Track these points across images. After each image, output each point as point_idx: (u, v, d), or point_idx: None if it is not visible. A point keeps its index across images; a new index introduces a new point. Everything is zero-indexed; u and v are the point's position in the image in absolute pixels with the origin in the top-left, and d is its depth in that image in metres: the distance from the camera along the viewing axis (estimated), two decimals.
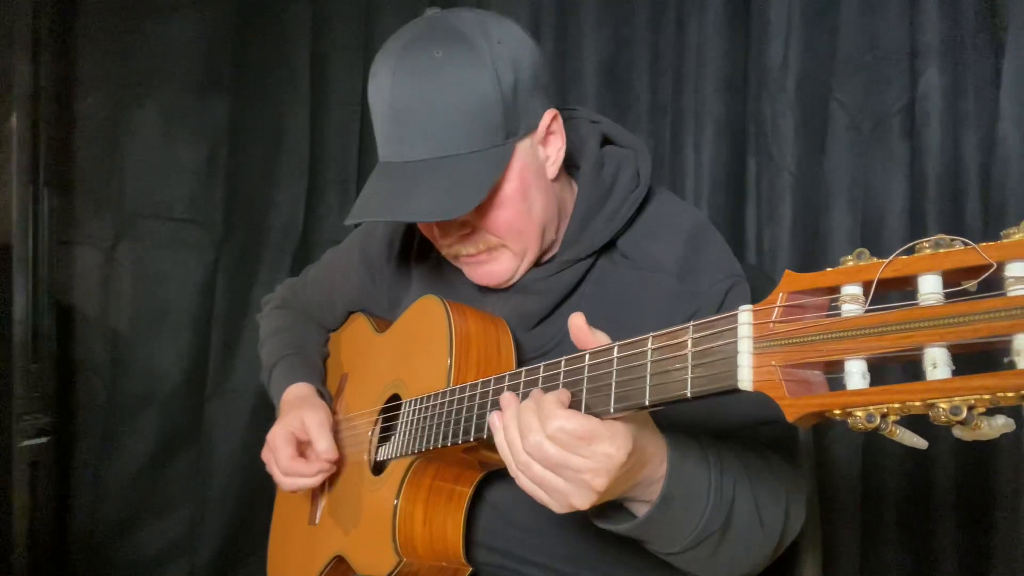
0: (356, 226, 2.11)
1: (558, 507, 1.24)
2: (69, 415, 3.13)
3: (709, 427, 1.50)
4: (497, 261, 1.62)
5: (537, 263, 1.69)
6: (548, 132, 1.60)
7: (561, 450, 1.18)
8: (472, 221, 1.56)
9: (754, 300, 1.69)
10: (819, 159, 2.78)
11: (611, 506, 1.36)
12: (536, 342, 1.70)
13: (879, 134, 2.69)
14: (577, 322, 1.27)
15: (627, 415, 1.19)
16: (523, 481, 1.26)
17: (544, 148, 1.61)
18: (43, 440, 2.96)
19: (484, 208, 1.53)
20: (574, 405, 1.22)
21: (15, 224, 2.85)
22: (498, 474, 1.65)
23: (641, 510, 1.33)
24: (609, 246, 1.68)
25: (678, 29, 3.04)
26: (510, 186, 1.54)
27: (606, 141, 1.77)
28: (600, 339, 1.25)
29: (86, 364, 3.17)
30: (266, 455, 1.91)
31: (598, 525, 1.39)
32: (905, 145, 2.65)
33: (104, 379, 3.18)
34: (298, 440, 1.88)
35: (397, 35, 1.54)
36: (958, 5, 2.54)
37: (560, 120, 1.62)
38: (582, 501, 1.21)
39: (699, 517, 1.33)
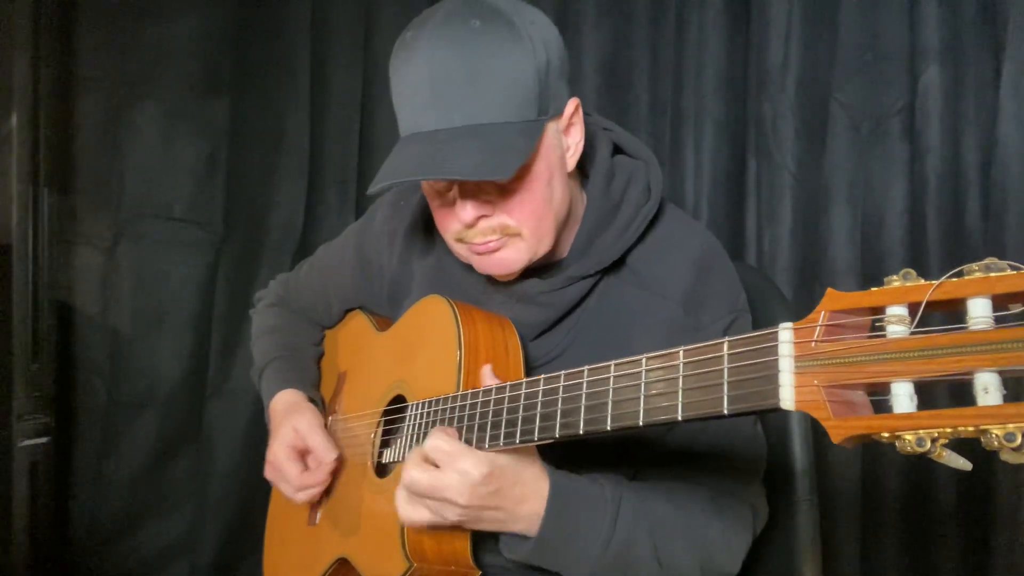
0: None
1: (441, 523, 1.44)
2: (69, 415, 3.13)
3: (665, 462, 1.61)
4: (510, 249, 1.58)
5: (541, 273, 1.68)
6: (570, 122, 1.59)
7: (430, 473, 1.39)
8: (495, 200, 1.53)
9: (755, 301, 1.71)
10: (819, 159, 2.78)
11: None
12: (535, 352, 1.69)
13: (879, 134, 2.70)
14: (487, 373, 1.53)
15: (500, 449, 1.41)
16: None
17: (566, 137, 1.59)
18: (43, 440, 2.95)
19: (510, 187, 1.51)
20: (599, 421, 1.25)
21: (15, 224, 2.84)
22: None
23: None
24: (617, 261, 1.67)
25: (678, 29, 3.03)
26: (538, 167, 1.52)
27: (617, 151, 1.76)
28: None
29: (86, 364, 3.16)
30: (271, 474, 1.92)
31: (502, 552, 1.55)
32: (905, 145, 2.65)
33: (104, 379, 3.17)
34: (298, 451, 1.89)
35: (430, 11, 1.52)
36: (958, 5, 2.54)
37: (581, 112, 1.61)
38: (451, 513, 1.40)
39: (587, 555, 1.46)
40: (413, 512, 1.44)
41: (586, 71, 3.13)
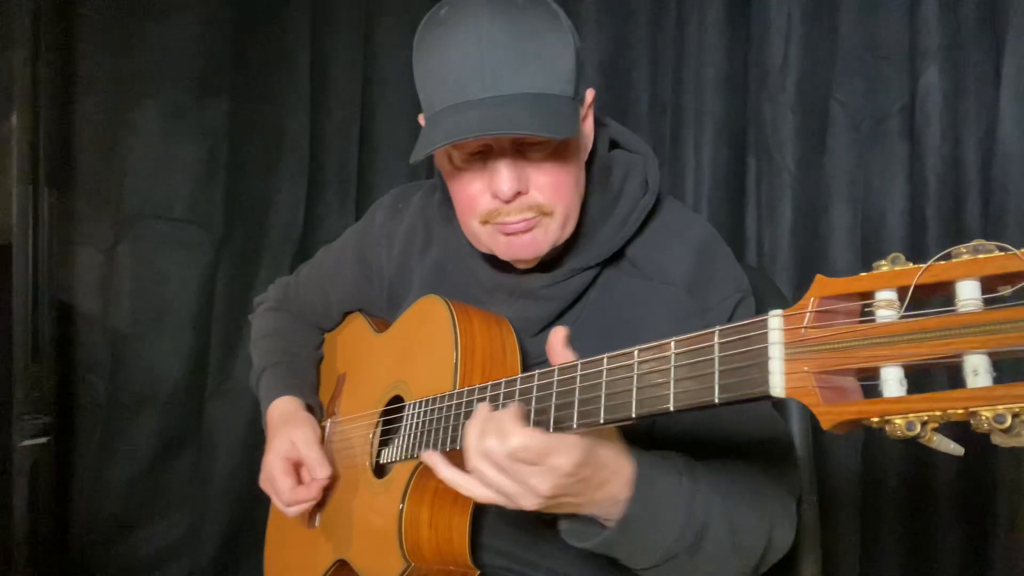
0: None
1: (509, 505, 1.31)
2: (69, 415, 3.12)
3: (706, 442, 1.52)
4: (540, 229, 1.56)
5: (544, 267, 1.68)
6: (586, 114, 1.60)
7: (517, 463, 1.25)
8: (531, 177, 1.52)
9: (755, 301, 1.71)
10: (819, 159, 2.79)
11: (585, 520, 1.39)
12: (539, 348, 1.64)
13: (879, 134, 2.71)
14: (560, 335, 1.35)
15: (586, 431, 1.26)
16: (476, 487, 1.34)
17: (583, 125, 1.59)
18: (43, 440, 2.94)
19: (549, 164, 1.51)
20: (592, 414, 1.22)
21: (15, 224, 2.85)
22: None
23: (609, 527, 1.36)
24: (616, 253, 1.67)
25: (678, 29, 3.04)
26: (575, 146, 1.54)
27: (613, 145, 1.76)
28: (569, 358, 1.32)
29: (86, 364, 3.15)
30: (265, 485, 1.91)
31: (566, 540, 1.42)
32: (905, 145, 2.66)
33: (104, 379, 3.16)
34: (293, 463, 1.88)
35: None
36: (958, 5, 2.55)
37: (592, 105, 1.62)
38: (528, 502, 1.28)
39: (665, 540, 1.36)
40: (488, 480, 1.31)
41: (586, 71, 3.13)
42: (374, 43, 3.49)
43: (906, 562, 2.65)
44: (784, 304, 1.95)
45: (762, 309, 1.69)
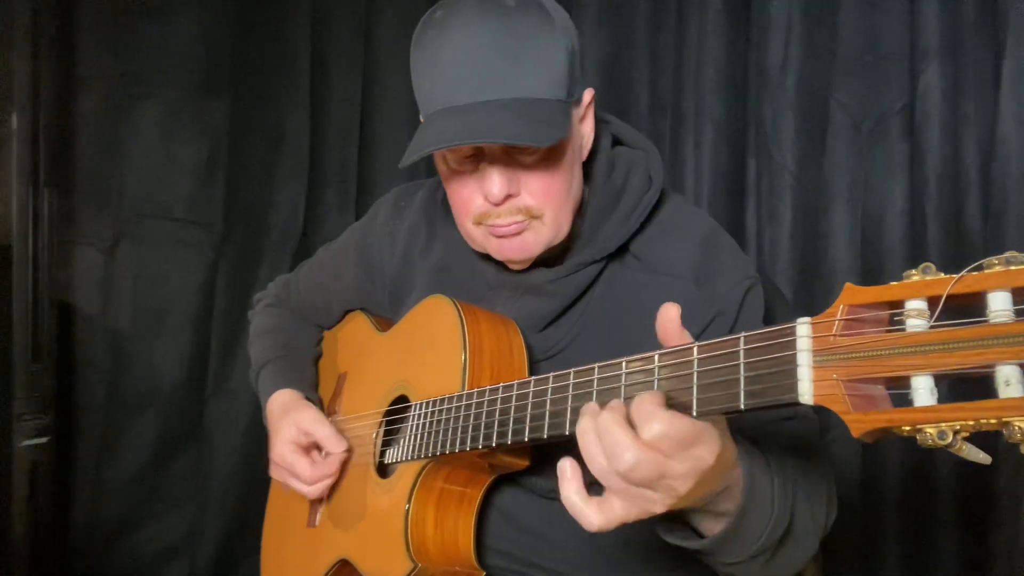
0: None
1: (638, 517, 1.13)
2: (69, 415, 3.13)
3: (739, 426, 1.46)
4: (531, 232, 1.55)
5: (548, 263, 1.67)
6: (585, 113, 1.59)
7: (659, 458, 1.06)
8: (522, 180, 1.51)
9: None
10: (819, 159, 2.79)
11: (671, 519, 1.31)
12: (544, 344, 1.67)
13: (879, 134, 2.71)
14: (673, 313, 1.19)
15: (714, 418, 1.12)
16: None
17: (581, 126, 1.59)
18: (43, 440, 2.95)
19: (539, 167, 1.51)
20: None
21: (15, 224, 2.84)
22: (505, 478, 1.63)
23: (705, 522, 1.30)
24: (620, 249, 1.65)
25: (678, 29, 3.04)
26: (566, 149, 1.53)
27: (616, 142, 1.75)
28: (686, 340, 1.18)
29: (86, 364, 3.16)
30: (277, 473, 1.90)
31: (669, 541, 1.32)
32: (905, 145, 2.66)
33: (104, 379, 3.18)
34: (303, 446, 1.87)
35: None
36: (958, 5, 2.55)
37: (593, 103, 1.61)
38: (662, 507, 1.11)
39: (765, 527, 1.29)
40: (620, 509, 1.12)
41: (586, 71, 3.12)
42: (374, 43, 3.49)
43: (906, 563, 2.66)
44: (785, 303, 1.95)
45: None
